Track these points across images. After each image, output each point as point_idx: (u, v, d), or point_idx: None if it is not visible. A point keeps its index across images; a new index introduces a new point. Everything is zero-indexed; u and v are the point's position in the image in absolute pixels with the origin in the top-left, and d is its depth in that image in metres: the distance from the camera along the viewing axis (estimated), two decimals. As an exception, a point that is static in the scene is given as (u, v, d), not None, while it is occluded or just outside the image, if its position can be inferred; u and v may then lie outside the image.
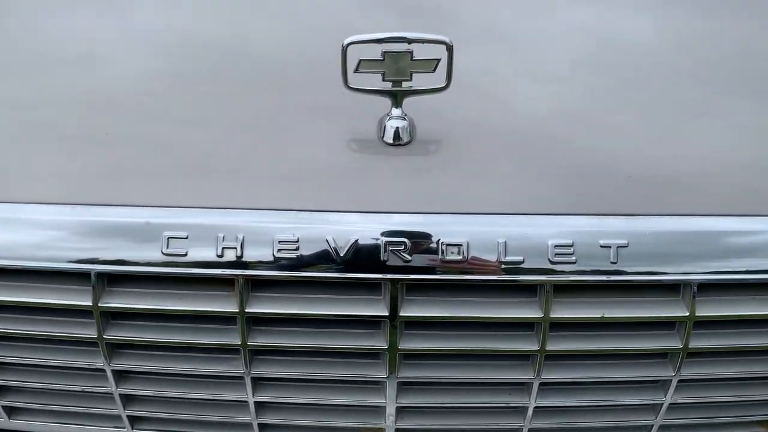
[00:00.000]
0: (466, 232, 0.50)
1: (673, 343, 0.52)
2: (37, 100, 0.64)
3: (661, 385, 0.55)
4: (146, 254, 0.51)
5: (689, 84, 0.66)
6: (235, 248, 0.51)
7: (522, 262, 0.49)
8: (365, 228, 0.50)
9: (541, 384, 0.54)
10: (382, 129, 0.55)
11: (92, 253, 0.51)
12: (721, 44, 0.73)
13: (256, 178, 0.54)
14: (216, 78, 0.66)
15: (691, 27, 0.75)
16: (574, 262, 0.49)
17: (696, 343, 0.52)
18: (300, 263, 0.51)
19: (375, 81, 0.54)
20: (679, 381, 0.54)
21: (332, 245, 0.50)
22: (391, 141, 0.55)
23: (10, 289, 0.53)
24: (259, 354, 0.54)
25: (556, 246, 0.49)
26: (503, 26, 0.72)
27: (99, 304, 0.52)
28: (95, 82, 0.65)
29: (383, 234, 0.50)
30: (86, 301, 0.52)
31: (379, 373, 0.54)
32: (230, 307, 0.51)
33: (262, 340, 0.53)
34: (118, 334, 0.53)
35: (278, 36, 0.71)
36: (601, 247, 0.49)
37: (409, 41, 0.53)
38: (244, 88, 0.64)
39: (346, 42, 0.53)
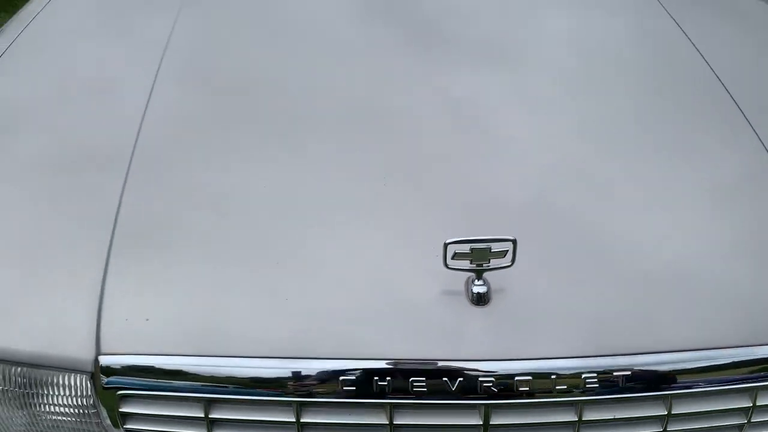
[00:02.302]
0: (528, 370, 0.79)
1: None
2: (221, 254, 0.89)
3: None
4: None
5: None
6: (385, 385, 0.78)
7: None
8: (467, 372, 0.78)
9: None
10: (470, 293, 0.83)
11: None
12: None
13: (392, 332, 0.81)
14: (339, 231, 0.92)
15: None
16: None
17: None
18: (429, 393, 0.78)
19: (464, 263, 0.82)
20: None
21: (449, 383, 0.78)
22: (475, 302, 0.82)
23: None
24: None
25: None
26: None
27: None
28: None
29: (479, 375, 0.79)
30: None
31: None
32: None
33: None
34: None
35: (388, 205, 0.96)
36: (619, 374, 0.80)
37: (488, 241, 0.80)
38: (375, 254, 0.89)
39: (447, 242, 0.80)
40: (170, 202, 0.97)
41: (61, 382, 0.85)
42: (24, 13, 1.54)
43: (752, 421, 0.84)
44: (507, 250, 0.81)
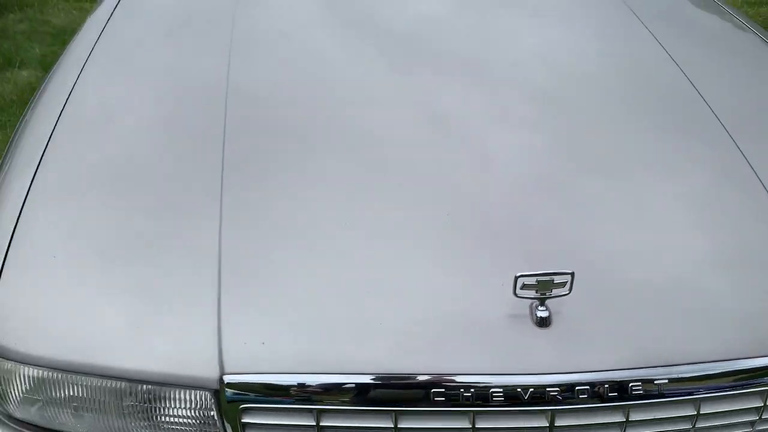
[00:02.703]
0: (586, 380, 0.96)
1: None
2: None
3: None
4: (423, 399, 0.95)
5: None
6: (469, 396, 0.95)
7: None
8: (537, 383, 0.95)
9: None
10: (534, 317, 0.99)
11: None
12: None
13: (472, 351, 0.97)
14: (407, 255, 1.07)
15: None
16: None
17: None
18: (505, 401, 0.95)
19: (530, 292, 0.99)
20: None
21: (522, 393, 0.95)
22: (539, 325, 0.99)
23: None
24: None
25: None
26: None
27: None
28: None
29: (546, 385, 0.95)
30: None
31: None
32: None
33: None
34: None
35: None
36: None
37: (552, 274, 0.97)
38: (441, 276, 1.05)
39: (517, 275, 0.96)
40: (265, 233, 1.11)
41: (185, 397, 1.00)
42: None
43: (763, 417, 1.03)
44: (566, 282, 0.97)
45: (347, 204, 1.16)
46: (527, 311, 1.00)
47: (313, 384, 0.97)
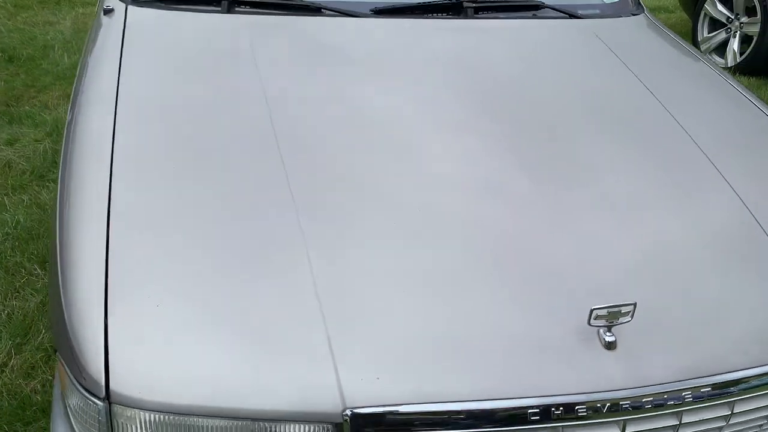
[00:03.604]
0: (650, 392, 1.15)
1: None
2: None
3: None
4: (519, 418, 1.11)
5: None
6: (559, 413, 1.11)
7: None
8: (611, 398, 1.13)
9: None
10: (603, 341, 1.17)
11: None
12: None
13: (557, 374, 1.13)
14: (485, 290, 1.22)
15: None
16: None
17: None
18: (587, 415, 1.12)
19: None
20: None
21: (601, 407, 1.13)
22: (607, 348, 1.17)
23: None
24: None
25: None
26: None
27: None
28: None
29: (619, 399, 1.13)
30: None
31: None
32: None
33: None
34: None
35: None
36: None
37: (620, 306, 1.15)
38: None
39: (593, 308, 1.14)
40: (353, 274, 1.24)
41: (306, 430, 1.10)
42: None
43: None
44: (630, 311, 1.16)
45: (429, 247, 1.31)
46: (596, 337, 1.18)
47: (425, 411, 1.10)
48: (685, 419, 1.18)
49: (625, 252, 1.35)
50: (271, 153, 1.48)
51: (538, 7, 2.25)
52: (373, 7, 2.11)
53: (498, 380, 1.13)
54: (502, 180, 1.49)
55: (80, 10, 5.59)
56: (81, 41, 4.82)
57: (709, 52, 4.95)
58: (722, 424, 1.22)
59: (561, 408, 1.12)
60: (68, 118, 1.70)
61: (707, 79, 2.07)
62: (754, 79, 4.67)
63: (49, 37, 4.90)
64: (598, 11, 2.35)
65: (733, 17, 4.84)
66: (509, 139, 1.62)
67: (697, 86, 2.03)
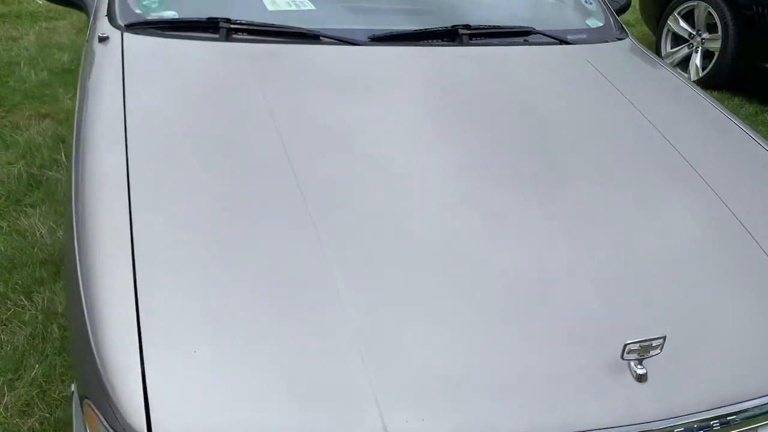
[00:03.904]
0: (682, 422, 1.19)
1: None
2: None
3: None
4: None
5: None
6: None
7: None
8: (647, 429, 1.17)
9: None
10: (634, 373, 1.20)
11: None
12: None
13: (593, 405, 1.16)
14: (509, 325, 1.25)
15: None
16: None
17: None
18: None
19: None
20: None
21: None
22: (638, 380, 1.20)
23: None
24: None
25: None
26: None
27: None
28: None
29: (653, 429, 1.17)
30: None
31: None
32: None
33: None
34: None
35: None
36: None
37: (651, 340, 1.19)
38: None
39: (626, 342, 1.17)
40: (391, 311, 1.25)
41: None
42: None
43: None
44: (660, 344, 1.20)
45: (460, 286, 1.33)
46: (627, 369, 1.22)
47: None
48: (714, 445, 1.23)
49: (646, 285, 1.39)
50: (291, 190, 1.48)
51: (528, 33, 2.30)
52: (371, 34, 2.12)
53: (536, 417, 1.15)
54: (522, 215, 1.53)
55: (43, 25, 5.46)
56: (47, 57, 4.72)
57: (672, 67, 5.10)
58: (747, 445, 1.27)
59: (599, 440, 1.15)
60: (73, 152, 1.66)
61: (695, 103, 2.15)
62: (716, 93, 4.83)
63: (13, 53, 4.78)
64: (585, 36, 2.42)
65: (694, 33, 5.01)
66: (529, 177, 1.64)
67: (684, 108, 2.10)
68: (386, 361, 1.17)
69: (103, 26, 2.09)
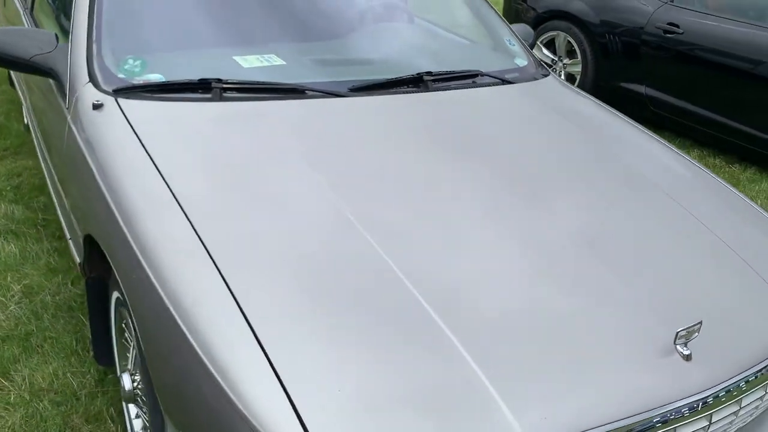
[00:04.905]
0: (722, 388, 1.49)
1: None
2: None
3: None
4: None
5: None
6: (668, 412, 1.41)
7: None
8: (698, 397, 1.45)
9: None
10: (681, 354, 1.49)
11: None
12: None
13: (655, 383, 1.43)
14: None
15: None
16: None
17: None
18: (682, 415, 1.43)
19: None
20: None
21: (695, 404, 1.44)
22: (685, 359, 1.49)
23: None
24: None
25: None
26: None
27: None
28: None
29: (705, 397, 1.46)
30: None
31: None
32: None
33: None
34: None
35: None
36: None
37: (694, 325, 1.48)
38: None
39: (677, 330, 1.46)
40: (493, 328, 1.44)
41: None
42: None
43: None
44: (698, 328, 1.49)
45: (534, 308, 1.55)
46: (674, 351, 1.50)
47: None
48: (744, 402, 1.55)
49: (665, 282, 1.71)
50: (362, 243, 1.63)
51: (476, 75, 2.59)
52: (350, 86, 2.31)
53: (618, 399, 1.40)
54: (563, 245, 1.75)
55: None
56: None
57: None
58: (759, 403, 1.60)
59: (672, 413, 1.42)
60: (113, 228, 1.69)
61: (623, 123, 2.55)
62: (581, 111, 5.46)
63: None
64: (518, 75, 2.75)
65: (557, 59, 5.64)
66: (556, 216, 1.85)
67: (617, 127, 2.49)
68: (506, 373, 1.37)
69: (90, 93, 2.10)
